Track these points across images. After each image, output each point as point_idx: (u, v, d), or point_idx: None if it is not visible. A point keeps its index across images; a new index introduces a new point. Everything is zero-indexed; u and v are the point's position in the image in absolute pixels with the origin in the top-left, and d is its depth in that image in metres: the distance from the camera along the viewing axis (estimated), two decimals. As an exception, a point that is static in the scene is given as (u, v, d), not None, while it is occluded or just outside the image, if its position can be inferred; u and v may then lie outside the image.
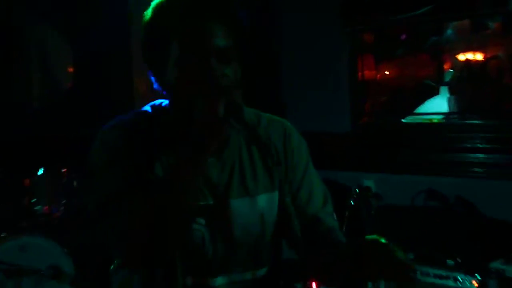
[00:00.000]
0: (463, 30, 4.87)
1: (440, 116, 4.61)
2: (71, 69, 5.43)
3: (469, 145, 3.96)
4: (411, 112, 4.73)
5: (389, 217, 3.71)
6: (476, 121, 4.21)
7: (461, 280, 3.08)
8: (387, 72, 4.92)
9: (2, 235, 3.83)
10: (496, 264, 2.42)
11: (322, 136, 4.28)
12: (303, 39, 4.53)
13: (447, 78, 4.97)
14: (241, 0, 1.65)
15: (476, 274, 3.00)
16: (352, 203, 3.83)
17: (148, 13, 1.58)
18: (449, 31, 4.92)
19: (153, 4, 1.59)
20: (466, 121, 4.34)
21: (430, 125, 4.54)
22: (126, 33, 4.86)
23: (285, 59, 4.71)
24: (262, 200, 1.67)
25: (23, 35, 5.06)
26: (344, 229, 3.71)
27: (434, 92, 4.90)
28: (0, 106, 4.71)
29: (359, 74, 4.50)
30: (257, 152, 1.68)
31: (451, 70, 5.06)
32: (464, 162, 3.93)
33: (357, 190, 3.85)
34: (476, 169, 3.86)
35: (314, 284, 3.63)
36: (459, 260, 3.14)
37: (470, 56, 5.04)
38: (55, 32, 5.20)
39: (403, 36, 4.86)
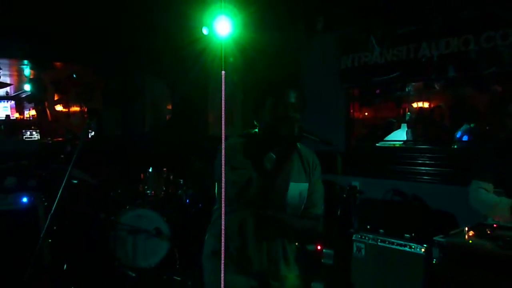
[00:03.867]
0: (418, 88, 4.88)
1: (401, 142, 4.59)
2: (169, 107, 5.53)
3: (420, 161, 3.91)
4: (382, 140, 4.72)
5: (368, 206, 3.65)
6: (424, 146, 4.21)
7: (414, 248, 3.10)
8: (367, 114, 4.88)
9: (127, 207, 3.97)
10: (437, 238, 2.36)
11: (328, 154, 4.20)
12: (317, 92, 4.44)
13: (407, 118, 4.96)
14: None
15: (424, 244, 3.06)
16: (345, 196, 3.88)
17: (252, 83, 1.80)
18: (408, 88, 4.94)
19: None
20: (418, 146, 4.36)
21: (395, 148, 4.51)
22: (205, 84, 4.88)
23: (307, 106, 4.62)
24: (302, 186, 1.86)
25: (142, 86, 5.19)
26: (339, 213, 3.80)
27: (397, 127, 4.90)
28: (127, 131, 4.85)
29: (350, 114, 4.48)
30: (301, 162, 1.90)
31: (409, 113, 5.07)
32: (417, 172, 3.89)
33: (348, 188, 3.90)
34: (424, 177, 3.83)
35: (319, 246, 3.68)
36: (413, 235, 3.16)
37: (421, 105, 5.06)
38: (160, 82, 5.30)
39: (378, 91, 4.85)
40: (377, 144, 4.59)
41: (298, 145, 1.87)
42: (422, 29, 3.60)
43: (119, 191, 4.14)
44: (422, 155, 3.92)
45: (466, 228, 2.42)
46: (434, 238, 2.32)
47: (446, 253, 2.26)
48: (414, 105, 5.08)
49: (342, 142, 4.32)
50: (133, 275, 3.81)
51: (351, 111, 4.43)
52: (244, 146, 1.80)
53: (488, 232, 2.36)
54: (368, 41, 3.99)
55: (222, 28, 1.64)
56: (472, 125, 4.32)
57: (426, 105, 4.98)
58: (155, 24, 4.00)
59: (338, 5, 4.00)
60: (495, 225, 2.49)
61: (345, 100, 4.37)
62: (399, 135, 4.75)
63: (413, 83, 4.75)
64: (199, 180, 4.04)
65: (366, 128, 4.97)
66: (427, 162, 3.86)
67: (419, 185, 3.78)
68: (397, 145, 4.55)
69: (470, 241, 2.30)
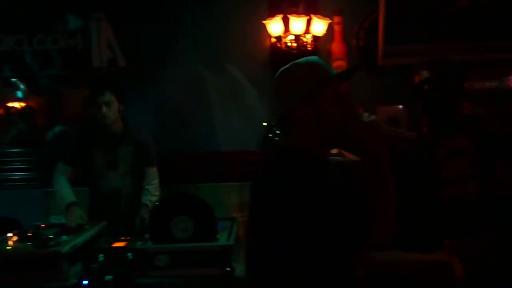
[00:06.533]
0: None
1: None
2: None
3: (12, 167, 3.71)
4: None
5: None
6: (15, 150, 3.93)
7: None
8: None
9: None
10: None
11: None
12: None
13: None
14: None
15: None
16: None
17: None
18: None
19: None
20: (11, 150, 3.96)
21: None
22: None
23: None
24: None
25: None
26: None
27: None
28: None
29: None
30: None
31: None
32: (10, 178, 3.65)
33: None
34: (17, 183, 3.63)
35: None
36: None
37: (12, 104, 4.72)
38: None
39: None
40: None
41: None
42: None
43: None
44: (14, 159, 3.75)
45: (10, 234, 2.37)
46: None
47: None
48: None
49: None
50: None
51: None
52: None
53: (29, 234, 2.40)
54: None
55: None
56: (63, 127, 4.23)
57: (16, 104, 4.70)
58: None
59: None
60: (42, 225, 2.61)
61: None
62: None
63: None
64: None
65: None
66: (17, 167, 3.72)
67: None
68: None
69: (8, 247, 2.28)
